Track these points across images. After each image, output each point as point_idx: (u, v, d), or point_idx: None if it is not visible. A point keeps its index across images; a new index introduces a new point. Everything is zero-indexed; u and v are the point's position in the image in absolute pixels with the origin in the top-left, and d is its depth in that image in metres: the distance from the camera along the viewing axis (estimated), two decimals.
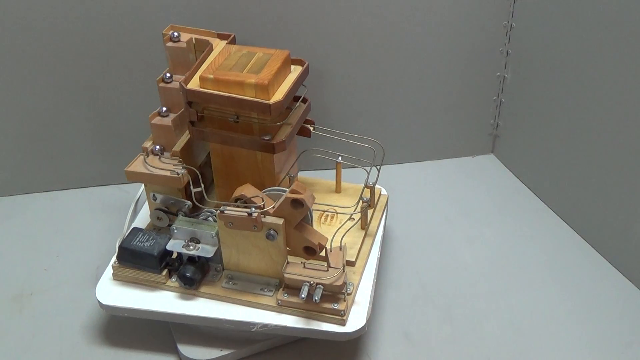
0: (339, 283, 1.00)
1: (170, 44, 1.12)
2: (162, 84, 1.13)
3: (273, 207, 0.99)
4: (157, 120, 1.11)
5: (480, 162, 1.53)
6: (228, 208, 0.99)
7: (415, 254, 1.28)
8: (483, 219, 1.37)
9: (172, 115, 1.11)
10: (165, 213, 1.13)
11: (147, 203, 1.20)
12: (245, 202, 1.00)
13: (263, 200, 0.99)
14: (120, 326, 1.14)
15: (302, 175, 1.23)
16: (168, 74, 1.13)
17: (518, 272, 1.25)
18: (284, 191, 1.01)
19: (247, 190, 1.00)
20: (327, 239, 1.02)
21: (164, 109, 1.12)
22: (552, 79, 1.30)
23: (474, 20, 1.34)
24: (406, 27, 1.33)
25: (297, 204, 0.96)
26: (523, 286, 1.22)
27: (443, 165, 1.51)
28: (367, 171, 1.14)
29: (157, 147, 1.12)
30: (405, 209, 1.37)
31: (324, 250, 1.02)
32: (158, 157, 1.11)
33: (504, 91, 1.44)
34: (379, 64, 1.37)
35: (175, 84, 1.12)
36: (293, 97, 1.08)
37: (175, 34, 1.12)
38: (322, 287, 1.00)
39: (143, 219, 1.22)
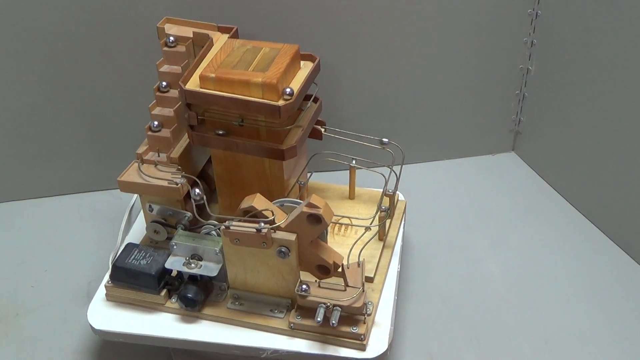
0: (358, 305, 0.92)
1: (166, 48, 1.04)
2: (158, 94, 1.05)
3: (285, 222, 0.89)
4: (159, 110, 1.04)
5: (501, 160, 1.47)
6: (234, 223, 0.89)
7: (436, 265, 1.22)
8: (507, 224, 1.30)
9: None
10: (163, 226, 1.04)
11: (142, 212, 1.11)
12: (254, 215, 0.90)
13: (274, 214, 0.89)
14: (115, 351, 1.08)
15: (311, 179, 1.16)
16: (164, 83, 1.04)
17: (548, 283, 1.18)
18: (297, 203, 0.93)
19: (257, 201, 0.91)
20: (343, 258, 0.94)
21: (164, 83, 1.04)
22: (579, 71, 1.25)
23: (496, 8, 1.28)
24: (424, 15, 1.27)
25: (315, 219, 0.87)
26: (555, 299, 1.15)
27: (461, 165, 1.45)
28: (384, 177, 1.05)
29: (155, 122, 1.04)
30: (422, 213, 1.30)
31: (340, 265, 0.93)
32: (154, 164, 1.01)
33: (527, 85, 1.39)
34: (393, 57, 1.31)
35: (173, 93, 1.04)
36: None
37: (172, 39, 1.03)
38: (340, 309, 0.91)
39: (138, 230, 1.15)
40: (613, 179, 1.23)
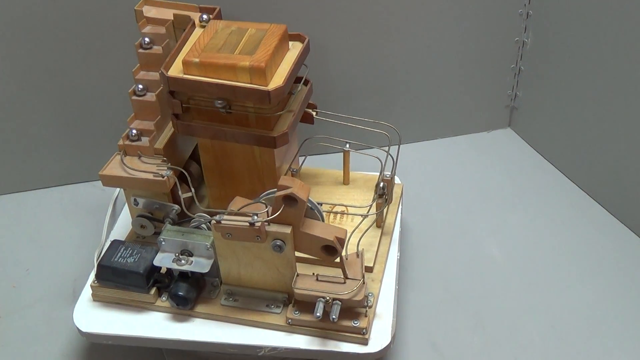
0: (359, 297, 0.88)
1: (141, 50, 0.98)
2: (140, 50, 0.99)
3: (267, 212, 0.85)
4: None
5: (497, 137, 1.43)
6: (225, 217, 0.85)
7: (435, 249, 1.19)
8: (506, 203, 1.27)
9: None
10: (150, 220, 1.00)
11: (127, 204, 1.07)
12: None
13: (267, 206, 0.85)
14: (104, 353, 1.04)
15: (303, 164, 1.11)
16: (147, 39, 0.98)
17: (551, 263, 1.15)
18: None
19: (235, 204, 0.87)
20: (345, 231, 0.89)
21: (140, 86, 0.99)
22: (576, 43, 1.23)
23: None
24: None
25: (291, 200, 0.82)
26: (560, 280, 1.12)
27: (455, 143, 1.42)
28: (380, 160, 1.01)
29: (134, 131, 0.98)
30: (418, 196, 1.27)
31: (339, 256, 0.89)
32: (138, 157, 0.96)
33: (523, 58, 1.36)
34: (383, 34, 1.27)
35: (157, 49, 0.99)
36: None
37: (147, 39, 0.98)
38: (340, 303, 0.87)
39: (124, 225, 1.11)
40: (612, 154, 1.21)
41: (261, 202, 0.87)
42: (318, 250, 0.88)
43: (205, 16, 0.98)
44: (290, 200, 0.83)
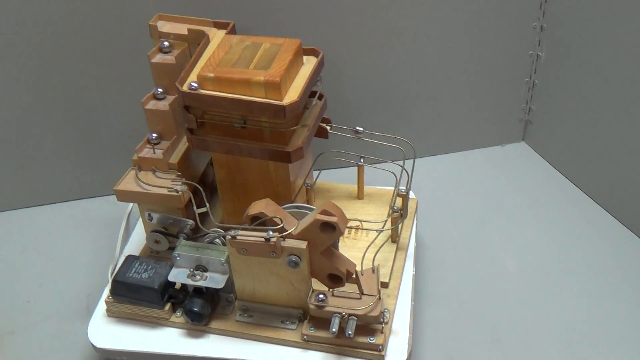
0: (375, 313, 0.87)
1: (157, 58, 0.98)
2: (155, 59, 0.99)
3: (296, 229, 0.84)
4: (153, 104, 0.98)
5: (511, 151, 1.42)
6: (240, 232, 0.84)
7: (450, 264, 1.17)
8: (520, 217, 1.26)
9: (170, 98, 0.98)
10: (164, 235, 0.99)
11: (141, 220, 1.06)
12: (262, 222, 0.84)
13: (282, 221, 0.84)
14: None
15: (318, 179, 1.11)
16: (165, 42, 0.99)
17: (568, 278, 1.14)
18: (309, 209, 0.88)
19: (267, 207, 0.85)
20: (355, 266, 0.89)
21: (160, 90, 0.98)
22: (591, 57, 1.21)
23: None
24: (427, 3, 1.22)
25: (329, 228, 0.82)
26: (577, 294, 1.11)
27: (469, 157, 1.40)
28: (394, 174, 1.00)
29: (154, 135, 0.98)
30: (432, 210, 1.25)
31: (353, 274, 0.88)
32: (152, 171, 0.97)
33: (537, 71, 1.34)
34: (398, 47, 1.26)
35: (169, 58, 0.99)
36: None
37: (166, 43, 0.97)
38: (356, 319, 0.87)
39: (138, 240, 1.10)
40: (628, 167, 1.19)
41: (287, 214, 0.87)
42: (324, 275, 0.88)
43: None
44: (329, 227, 0.82)
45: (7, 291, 1.15)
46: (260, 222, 0.85)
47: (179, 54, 0.97)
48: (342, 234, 0.83)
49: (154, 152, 0.97)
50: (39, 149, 1.27)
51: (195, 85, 0.88)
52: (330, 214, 0.81)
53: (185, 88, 0.89)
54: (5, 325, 1.09)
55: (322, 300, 0.86)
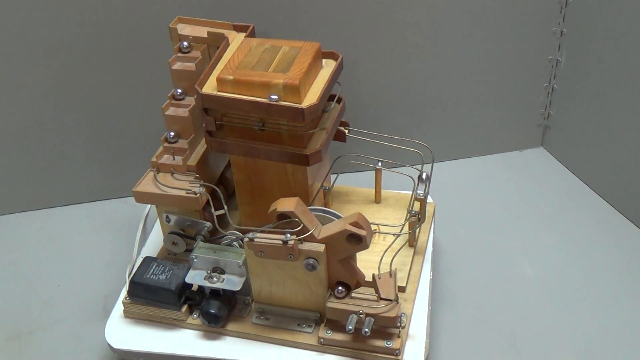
0: (392, 315, 0.86)
1: (177, 65, 0.99)
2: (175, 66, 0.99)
3: (319, 233, 0.84)
4: (172, 110, 0.99)
5: (529, 156, 1.41)
6: (258, 235, 0.84)
7: (468, 269, 1.17)
8: (539, 223, 1.25)
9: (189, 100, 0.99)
10: (182, 237, 0.99)
11: (158, 221, 1.07)
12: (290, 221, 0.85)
13: (301, 223, 0.84)
14: None
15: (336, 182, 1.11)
16: (179, 90, 0.99)
17: (586, 285, 1.13)
18: (334, 215, 0.89)
19: (297, 207, 0.84)
20: (365, 277, 0.90)
21: (179, 90, 0.99)
22: (611, 62, 1.21)
23: None
24: (448, 5, 1.22)
25: (356, 240, 0.82)
26: (595, 301, 1.10)
27: (487, 162, 1.40)
28: (412, 179, 1.00)
29: (172, 133, 0.99)
30: (450, 215, 1.25)
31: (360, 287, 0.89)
32: (171, 173, 0.96)
33: (556, 77, 1.33)
34: (416, 51, 1.26)
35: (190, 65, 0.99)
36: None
37: (185, 43, 0.98)
38: (373, 319, 0.87)
39: (155, 241, 1.10)
40: None
41: (313, 216, 0.86)
42: (334, 281, 0.88)
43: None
44: (356, 239, 0.82)
45: (25, 291, 1.16)
46: (286, 221, 0.84)
47: (199, 61, 0.98)
48: (367, 247, 0.83)
49: (174, 159, 0.98)
50: (59, 151, 1.27)
51: (275, 97, 0.87)
52: (361, 227, 0.81)
53: (212, 91, 0.89)
54: (23, 325, 1.09)
55: (341, 292, 0.86)
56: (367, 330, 0.85)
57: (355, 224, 0.82)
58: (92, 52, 1.18)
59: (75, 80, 1.20)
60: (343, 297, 0.87)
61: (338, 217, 0.90)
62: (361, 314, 0.86)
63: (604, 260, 1.16)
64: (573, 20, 1.25)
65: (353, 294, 0.88)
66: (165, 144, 0.98)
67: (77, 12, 1.13)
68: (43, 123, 1.24)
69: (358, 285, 0.89)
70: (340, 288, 0.87)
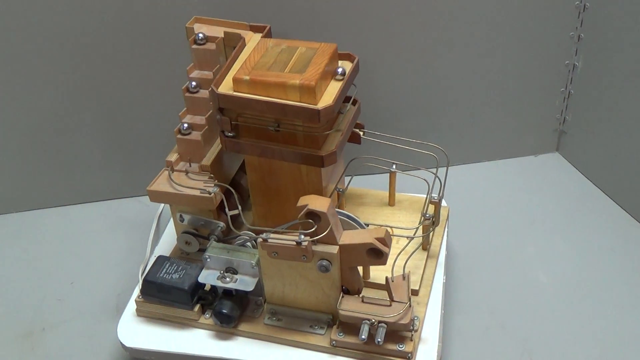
0: (405, 321, 0.86)
1: (195, 46, 0.99)
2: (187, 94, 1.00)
3: (340, 239, 0.84)
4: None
5: (544, 161, 1.40)
6: (272, 235, 0.84)
7: (481, 274, 1.16)
8: (553, 229, 1.24)
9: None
10: (195, 237, 0.99)
11: (172, 221, 1.07)
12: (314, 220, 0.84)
13: (315, 224, 0.83)
14: None
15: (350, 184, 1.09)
16: (194, 83, 0.99)
17: (601, 292, 1.11)
18: (357, 223, 0.89)
19: (329, 209, 0.83)
20: (363, 285, 0.91)
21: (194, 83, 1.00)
22: (629, 68, 1.19)
23: (541, 1, 1.22)
24: (464, 8, 1.21)
25: (375, 254, 0.82)
26: (610, 309, 1.08)
27: (501, 167, 1.39)
28: (427, 182, 0.99)
29: (185, 125, 0.99)
30: (465, 219, 1.24)
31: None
32: (185, 173, 0.96)
33: (573, 82, 1.32)
34: (432, 54, 1.25)
35: (203, 93, 0.99)
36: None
37: (200, 35, 0.98)
38: (386, 326, 0.86)
39: (168, 241, 1.10)
40: None
41: (338, 220, 0.86)
42: (364, 256, 0.86)
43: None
44: (377, 254, 0.83)
45: (39, 288, 1.16)
46: (308, 221, 0.84)
47: (217, 70, 0.98)
48: (384, 264, 0.83)
49: (190, 165, 0.98)
50: (74, 150, 1.28)
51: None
52: (385, 245, 0.81)
53: (228, 91, 0.89)
54: (36, 322, 1.10)
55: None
56: (380, 340, 0.85)
57: (381, 240, 0.82)
58: (108, 52, 1.18)
59: (92, 80, 1.20)
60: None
61: (357, 221, 0.90)
62: (373, 322, 0.86)
63: (619, 267, 1.15)
64: (591, 25, 1.24)
65: (365, 299, 0.88)
66: (179, 136, 0.98)
67: (94, 12, 1.13)
68: (59, 122, 1.24)
69: (359, 292, 0.89)
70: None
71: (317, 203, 0.83)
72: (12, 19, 1.12)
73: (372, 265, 0.85)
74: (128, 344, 0.94)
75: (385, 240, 0.82)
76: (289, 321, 0.92)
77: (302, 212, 0.83)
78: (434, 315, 0.94)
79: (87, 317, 1.10)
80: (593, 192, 1.32)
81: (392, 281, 0.89)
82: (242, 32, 1.00)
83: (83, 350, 1.05)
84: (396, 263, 0.91)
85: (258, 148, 0.92)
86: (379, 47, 1.22)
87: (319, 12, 1.17)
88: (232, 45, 0.99)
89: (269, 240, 0.84)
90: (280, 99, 0.87)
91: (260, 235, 0.85)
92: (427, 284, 0.97)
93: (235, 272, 0.92)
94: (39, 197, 1.32)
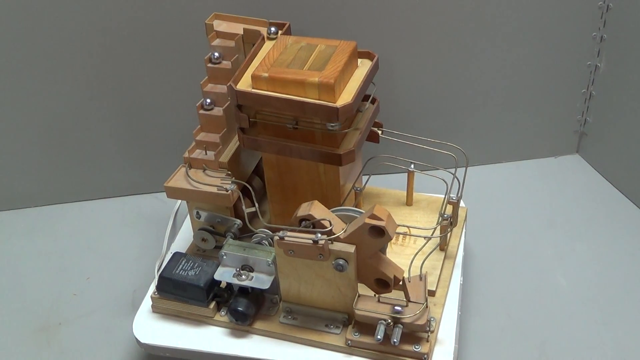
0: (421, 322, 0.86)
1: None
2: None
3: (344, 231, 0.83)
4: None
5: (564, 163, 1.39)
6: (288, 233, 0.84)
7: (499, 276, 1.15)
8: (573, 231, 1.23)
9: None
10: (211, 234, 0.99)
11: (188, 217, 1.07)
12: (312, 224, 0.83)
13: (331, 224, 0.83)
14: None
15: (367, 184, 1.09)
16: (216, 54, 0.99)
17: (621, 295, 1.10)
18: (358, 212, 0.87)
19: (315, 209, 0.84)
20: (403, 272, 0.88)
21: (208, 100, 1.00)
22: None
23: (563, 1, 1.21)
24: (485, 9, 1.20)
25: (377, 232, 0.80)
26: (630, 313, 1.07)
27: (521, 168, 1.37)
28: (445, 182, 0.98)
29: (208, 100, 0.99)
30: (483, 220, 1.23)
31: (400, 281, 0.87)
32: (202, 169, 0.96)
33: (594, 83, 1.31)
34: (452, 54, 1.25)
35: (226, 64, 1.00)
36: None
37: (216, 54, 0.98)
38: (402, 327, 0.85)
39: (184, 237, 1.10)
40: None
41: (335, 217, 0.85)
42: (372, 280, 0.87)
43: (273, 29, 0.98)
44: (378, 231, 0.81)
45: (55, 283, 1.16)
46: (308, 224, 0.84)
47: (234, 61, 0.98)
48: (390, 239, 0.81)
49: (206, 154, 0.98)
50: (92, 146, 1.28)
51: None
52: (379, 219, 0.80)
53: (246, 88, 0.89)
54: (52, 316, 1.10)
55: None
56: (396, 340, 0.84)
57: (373, 217, 0.81)
58: (127, 48, 1.18)
59: (110, 76, 1.21)
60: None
61: (357, 211, 0.89)
62: (389, 322, 0.85)
63: (638, 270, 1.14)
64: (614, 26, 1.23)
65: (382, 299, 0.87)
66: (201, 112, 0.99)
67: (113, 8, 1.14)
68: (77, 118, 1.25)
69: (397, 281, 0.87)
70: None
71: (304, 209, 0.84)
72: (36, 17, 1.13)
73: (383, 244, 0.83)
74: (143, 340, 0.94)
75: (377, 215, 0.81)
76: (305, 320, 0.92)
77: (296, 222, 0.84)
78: (451, 317, 0.94)
79: (103, 312, 1.11)
80: (613, 195, 1.30)
81: (409, 281, 0.88)
82: (262, 29, 0.99)
83: (98, 346, 1.05)
84: (413, 263, 0.90)
85: (276, 145, 0.92)
86: (399, 46, 1.22)
87: (339, 9, 1.16)
88: (251, 42, 0.98)
89: (286, 238, 0.84)
90: (299, 96, 0.87)
91: (277, 233, 0.85)
92: (444, 285, 0.97)
93: (251, 270, 0.91)
94: (56, 193, 1.32)
